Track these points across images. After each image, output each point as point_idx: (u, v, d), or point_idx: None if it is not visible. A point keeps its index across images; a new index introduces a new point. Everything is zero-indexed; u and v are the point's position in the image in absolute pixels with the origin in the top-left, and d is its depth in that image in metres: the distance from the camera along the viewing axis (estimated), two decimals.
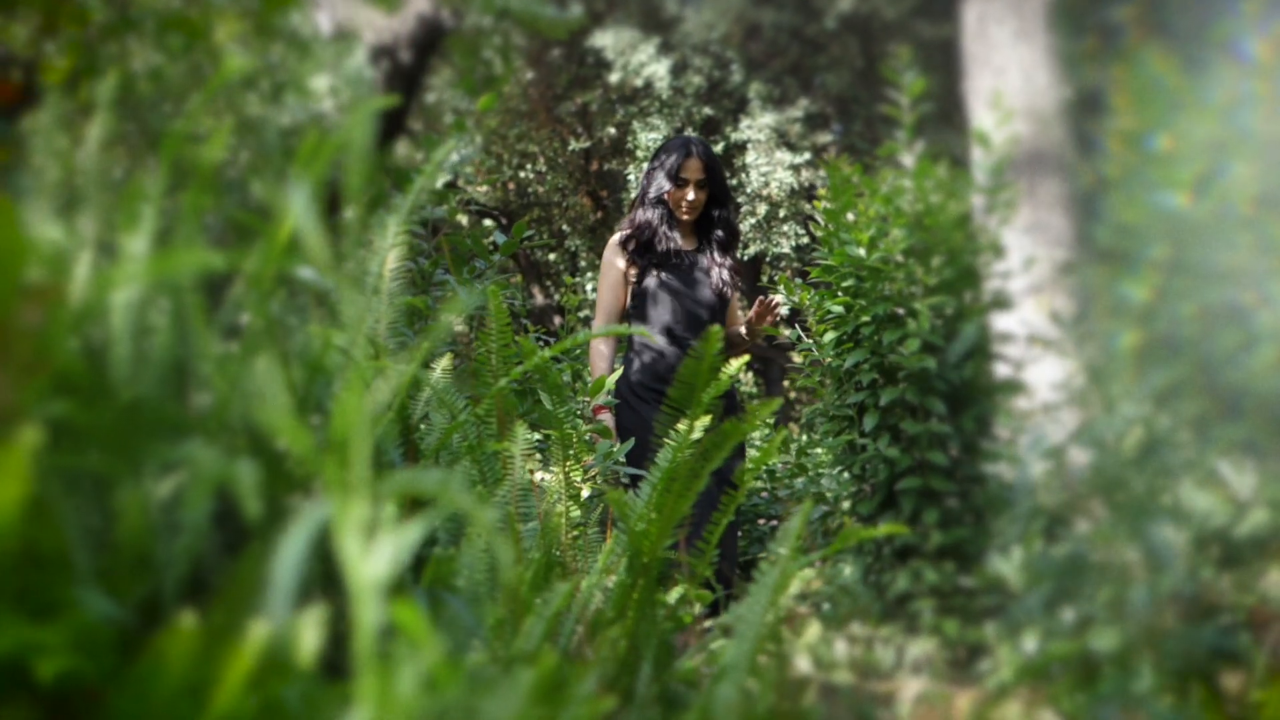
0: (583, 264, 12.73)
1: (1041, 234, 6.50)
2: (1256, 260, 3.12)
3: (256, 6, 5.68)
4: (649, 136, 10.62)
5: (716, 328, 1.64)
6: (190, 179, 2.00)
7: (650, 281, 4.23)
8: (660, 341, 4.20)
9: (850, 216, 3.78)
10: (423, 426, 2.22)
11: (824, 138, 10.62)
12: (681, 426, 1.70)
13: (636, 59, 10.42)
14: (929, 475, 3.47)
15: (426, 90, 11.61)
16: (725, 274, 4.27)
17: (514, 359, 1.98)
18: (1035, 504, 2.66)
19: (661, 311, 4.22)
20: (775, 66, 10.62)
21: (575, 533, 2.19)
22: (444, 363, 2.21)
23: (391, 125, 4.21)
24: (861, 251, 3.72)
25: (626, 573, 1.54)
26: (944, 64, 7.79)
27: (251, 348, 1.73)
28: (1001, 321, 6.47)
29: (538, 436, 3.72)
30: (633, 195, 11.01)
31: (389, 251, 2.14)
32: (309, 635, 0.77)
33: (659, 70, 10.33)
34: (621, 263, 4.28)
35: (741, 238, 6.76)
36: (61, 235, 1.96)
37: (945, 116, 8.12)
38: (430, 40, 4.35)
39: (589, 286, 12.09)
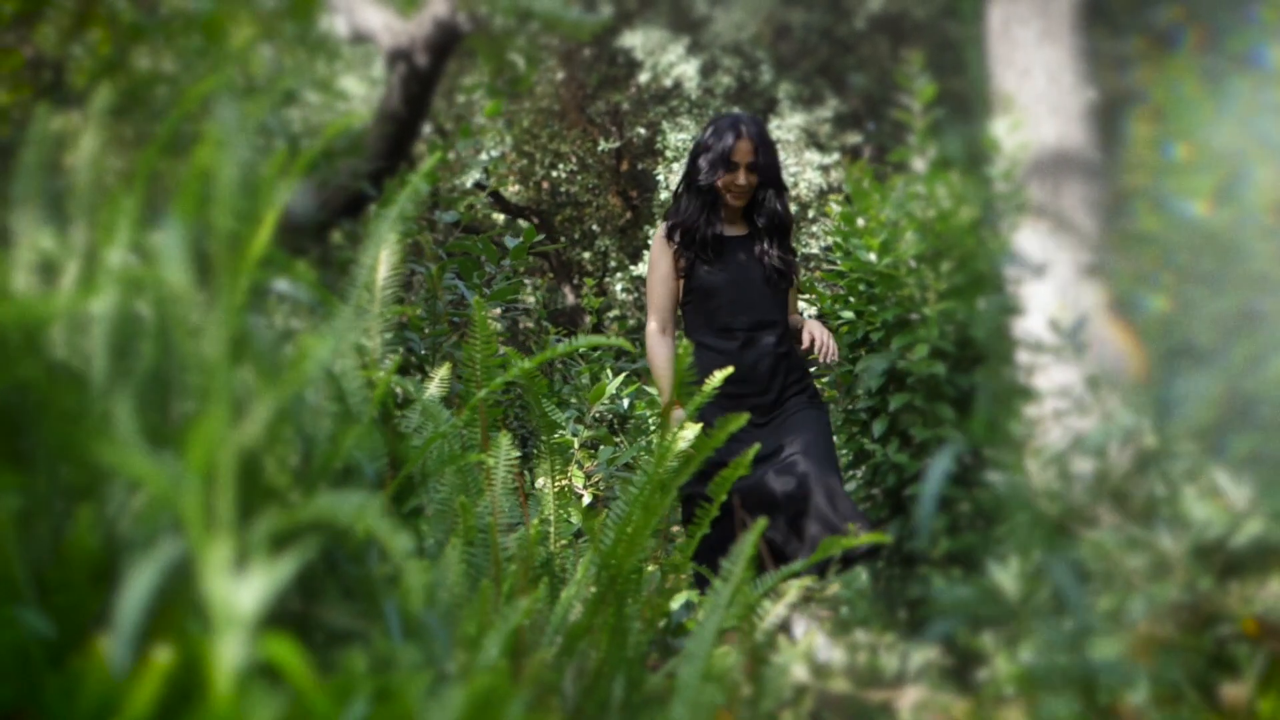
0: (612, 264, 12.74)
1: (1066, 236, 6.47)
2: (1277, 269, 3.10)
3: (273, 12, 5.73)
4: (678, 137, 10.61)
5: (686, 343, 1.64)
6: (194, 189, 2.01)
7: (699, 274, 3.95)
8: (716, 338, 3.95)
9: (861, 222, 3.78)
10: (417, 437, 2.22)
11: (854, 138, 10.59)
12: (663, 438, 1.69)
13: (666, 59, 10.41)
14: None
15: (456, 91, 11.65)
16: (777, 262, 3.97)
17: (500, 368, 1.99)
18: (1036, 512, 2.65)
19: (714, 306, 3.96)
20: (805, 66, 10.59)
21: (565, 541, 2.19)
22: (441, 372, 2.21)
23: (405, 131, 4.24)
24: (873, 257, 3.71)
25: (596, 585, 1.54)
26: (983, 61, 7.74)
27: (225, 360, 1.74)
28: (1021, 326, 6.43)
29: (562, 437, 3.72)
30: (663, 196, 11.02)
31: (379, 261, 2.15)
32: (225, 659, 0.78)
33: (688, 70, 10.32)
34: (668, 255, 4.02)
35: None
36: (53, 244, 1.99)
37: (974, 116, 8.03)
38: (446, 44, 4.36)
39: (618, 287, 12.10)
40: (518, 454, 2.27)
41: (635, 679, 1.60)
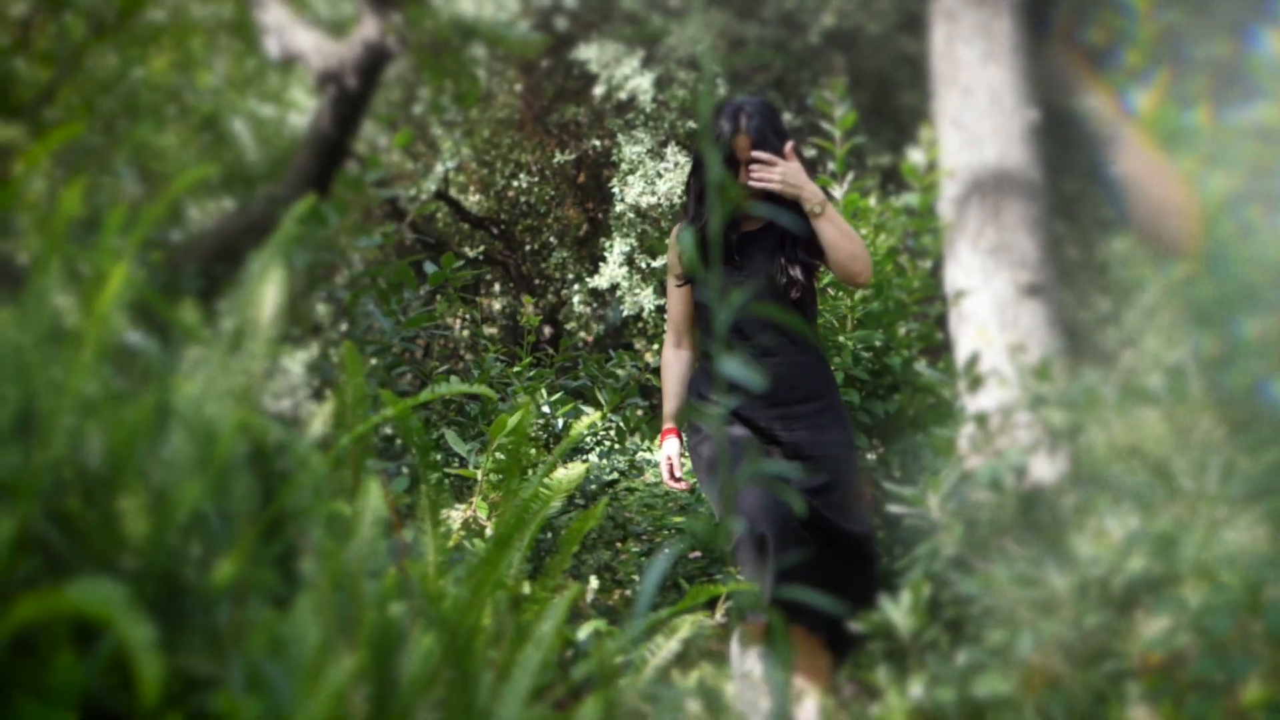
0: (570, 275, 12.74)
1: (1006, 255, 6.50)
2: None
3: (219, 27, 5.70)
4: (633, 150, 10.62)
5: (501, 418, 1.64)
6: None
7: (700, 278, 3.46)
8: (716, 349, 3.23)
9: None
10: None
11: (808, 151, 10.60)
12: (513, 482, 1.70)
13: (621, 72, 10.42)
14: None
15: (414, 102, 11.64)
16: (796, 268, 3.40)
17: (372, 410, 1.99)
18: (934, 545, 2.66)
19: (715, 313, 3.26)
20: (759, 80, 10.62)
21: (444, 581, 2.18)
22: (325, 409, 2.21)
23: (334, 153, 4.23)
24: None
25: (438, 640, 1.54)
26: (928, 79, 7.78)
27: (80, 408, 1.74)
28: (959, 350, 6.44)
29: (464, 469, 3.69)
30: (617, 210, 11.03)
31: (264, 299, 2.15)
32: None
33: (643, 83, 10.33)
34: (677, 260, 3.57)
35: None
36: None
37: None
38: (376, 66, 4.36)
39: (576, 299, 12.10)
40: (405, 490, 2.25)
41: None
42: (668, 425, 3.55)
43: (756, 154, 3.29)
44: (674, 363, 3.61)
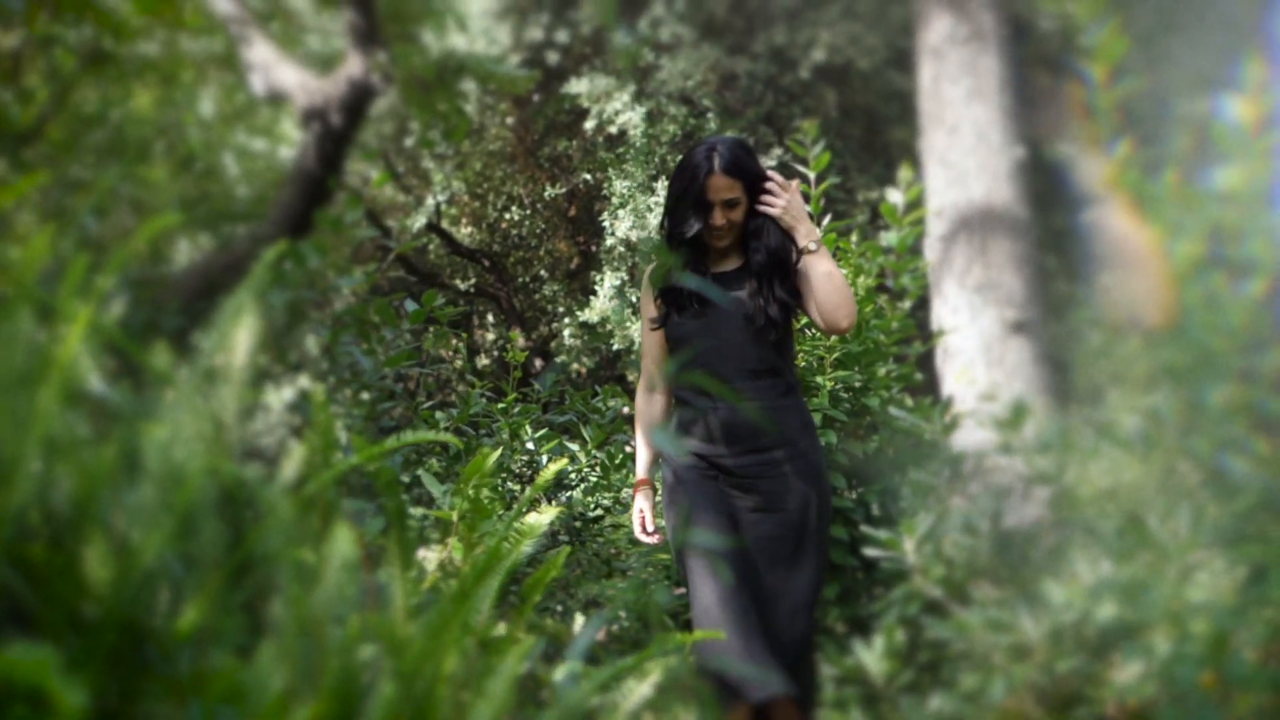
0: (561, 309, 12.76)
1: (993, 293, 6.53)
2: None
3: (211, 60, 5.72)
4: (623, 184, 10.65)
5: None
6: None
7: (671, 321, 3.38)
8: (692, 393, 3.34)
9: None
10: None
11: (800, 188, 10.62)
12: (469, 545, 1.70)
13: (611, 106, 10.46)
14: (831, 549, 3.47)
15: (407, 134, 11.67)
16: (773, 308, 3.28)
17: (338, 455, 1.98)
18: (910, 588, 2.67)
19: (683, 358, 3.35)
20: (750, 115, 10.66)
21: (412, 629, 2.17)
22: (297, 452, 2.20)
23: (319, 190, 4.25)
24: None
25: (394, 690, 1.54)
26: (916, 117, 7.83)
27: (45, 452, 1.73)
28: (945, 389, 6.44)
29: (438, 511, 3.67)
30: (607, 243, 11.05)
31: (237, 342, 2.15)
32: None
33: (634, 118, 10.37)
34: (649, 301, 3.48)
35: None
36: None
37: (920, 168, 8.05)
38: (361, 103, 4.39)
39: (566, 333, 12.12)
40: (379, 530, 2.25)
41: None
42: (640, 477, 3.49)
43: (773, 174, 3.29)
44: (646, 410, 3.53)
